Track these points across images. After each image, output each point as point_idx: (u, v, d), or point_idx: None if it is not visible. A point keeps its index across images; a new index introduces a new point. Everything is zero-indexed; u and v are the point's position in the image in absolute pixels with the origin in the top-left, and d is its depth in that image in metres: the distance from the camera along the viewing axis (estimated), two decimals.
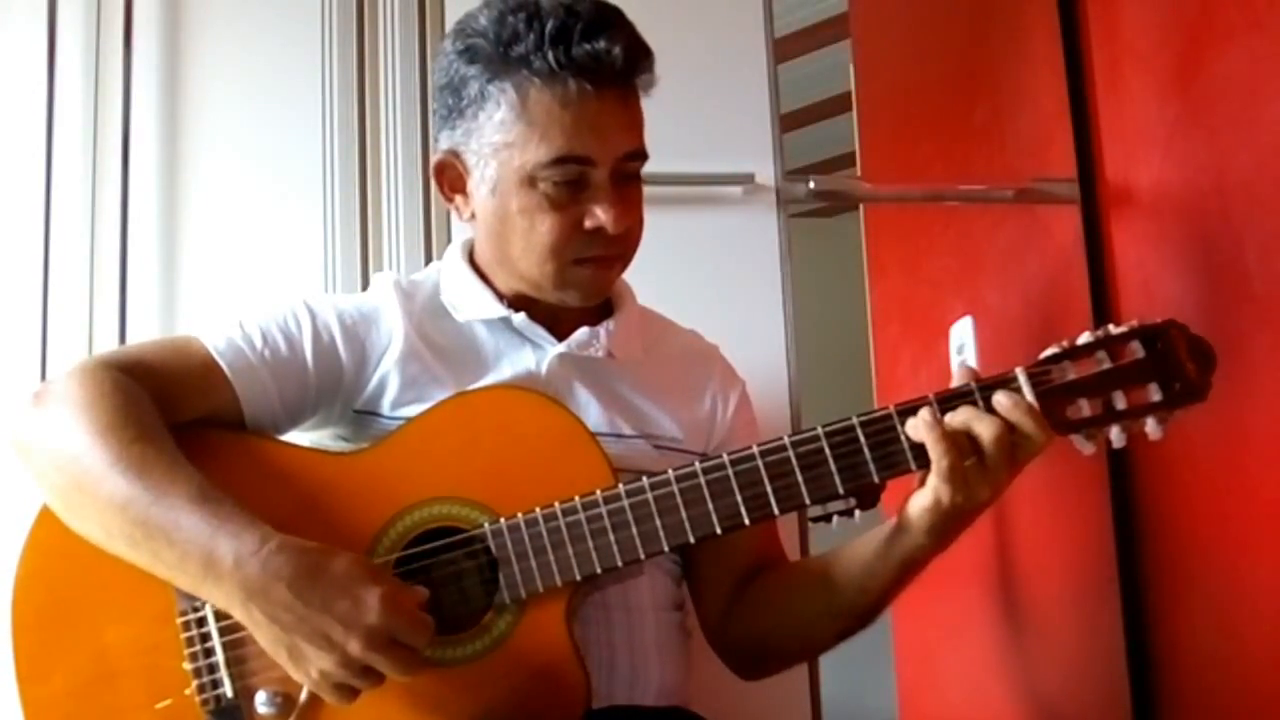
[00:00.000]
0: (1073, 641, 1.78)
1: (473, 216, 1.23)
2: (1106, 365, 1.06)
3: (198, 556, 0.98)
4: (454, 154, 1.21)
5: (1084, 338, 1.07)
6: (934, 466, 1.03)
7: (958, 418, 1.04)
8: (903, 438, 1.05)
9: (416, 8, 1.70)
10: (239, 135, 1.65)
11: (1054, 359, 1.06)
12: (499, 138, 1.15)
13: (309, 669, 0.97)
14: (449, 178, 1.23)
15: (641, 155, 1.19)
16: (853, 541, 1.18)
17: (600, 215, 1.15)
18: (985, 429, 1.03)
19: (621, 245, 1.20)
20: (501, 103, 1.14)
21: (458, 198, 1.24)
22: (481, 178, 1.19)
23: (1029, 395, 1.04)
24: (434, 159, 1.24)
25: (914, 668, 2.29)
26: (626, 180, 1.18)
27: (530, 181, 1.15)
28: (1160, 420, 1.05)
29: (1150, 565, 1.63)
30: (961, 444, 1.02)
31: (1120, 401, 1.05)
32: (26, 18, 1.62)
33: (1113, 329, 1.07)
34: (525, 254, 1.18)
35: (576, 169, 1.14)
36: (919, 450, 1.05)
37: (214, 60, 1.66)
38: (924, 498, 1.05)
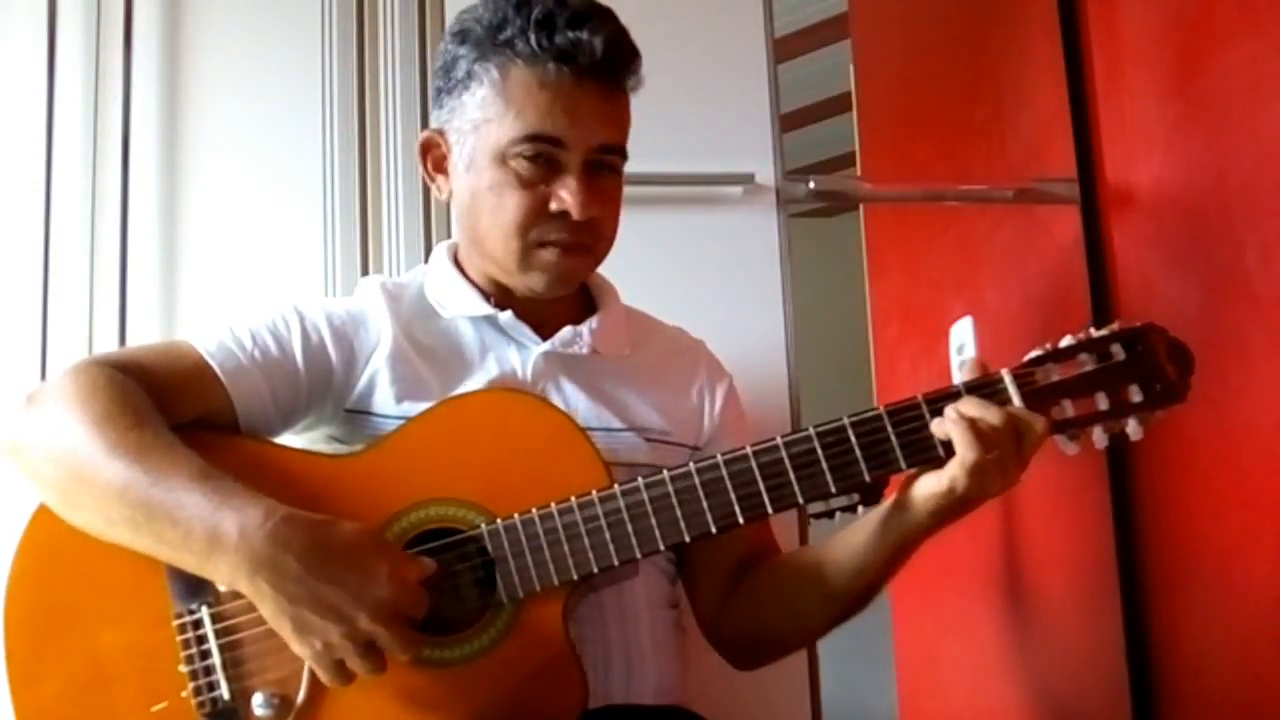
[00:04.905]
0: (1072, 639, 1.78)
1: (451, 195, 1.25)
2: (1089, 367, 1.07)
3: (202, 533, 0.98)
4: (439, 132, 1.24)
5: (1066, 340, 1.09)
6: (959, 459, 1.03)
7: (969, 409, 1.04)
8: (892, 437, 1.06)
9: (416, 8, 1.70)
10: (239, 135, 1.65)
11: (1038, 361, 1.08)
12: (479, 114, 1.18)
13: (313, 642, 0.97)
14: (433, 156, 1.26)
15: (618, 151, 1.20)
16: (845, 528, 1.18)
17: (565, 198, 1.16)
18: (997, 419, 1.03)
19: (587, 234, 1.20)
20: (485, 81, 1.17)
21: (439, 177, 1.26)
22: (460, 155, 1.21)
23: (1015, 396, 1.06)
24: (420, 136, 1.26)
25: (914, 666, 2.29)
26: (599, 172, 1.19)
27: (502, 158, 1.17)
28: (1141, 421, 1.07)
29: (1150, 562, 1.64)
30: (988, 439, 1.03)
31: (1103, 402, 1.07)
32: (26, 18, 1.62)
33: (1094, 332, 1.09)
34: (491, 231, 1.20)
35: (546, 148, 1.16)
36: (910, 449, 1.06)
37: (214, 60, 1.66)
38: (937, 483, 1.05)
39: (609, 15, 1.18)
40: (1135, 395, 1.06)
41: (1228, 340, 1.44)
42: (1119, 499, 1.67)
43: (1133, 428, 1.07)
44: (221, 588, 1.04)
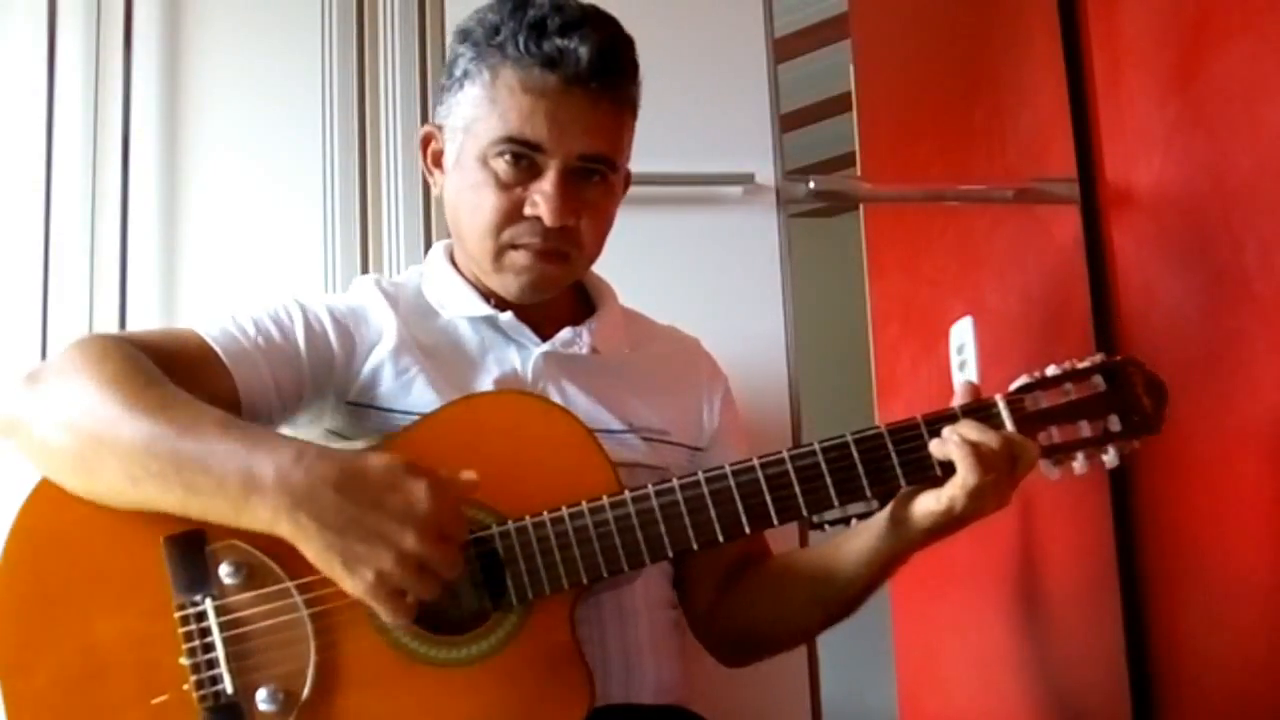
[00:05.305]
0: (1072, 638, 1.78)
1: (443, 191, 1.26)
2: (1073, 396, 1.13)
3: (237, 477, 0.97)
4: (438, 127, 1.25)
5: (1051, 370, 1.14)
6: (960, 481, 1.06)
7: (971, 433, 1.06)
8: (893, 455, 1.09)
9: (416, 8, 1.70)
10: (239, 135, 1.65)
11: (1026, 388, 1.13)
12: (471, 113, 1.19)
13: (364, 573, 0.95)
14: (432, 151, 1.27)
15: (604, 161, 1.19)
16: (839, 536, 1.20)
17: (539, 203, 1.16)
18: (996, 443, 1.06)
19: (563, 241, 1.19)
20: (477, 81, 1.18)
21: (436, 172, 1.27)
22: (451, 152, 1.22)
23: (1008, 421, 1.10)
24: (421, 130, 1.28)
25: (914, 667, 2.29)
26: (585, 179, 1.19)
27: (484, 158, 1.18)
28: (1119, 449, 1.13)
29: (1150, 562, 1.64)
30: (988, 462, 1.05)
31: (1085, 430, 1.13)
32: (26, 18, 1.62)
33: (1077, 363, 1.14)
34: (470, 231, 1.21)
35: (525, 152, 1.16)
36: (909, 468, 1.09)
37: (214, 60, 1.66)
38: (936, 502, 1.08)
39: (605, 24, 1.18)
40: (1115, 425, 1.13)
41: (1228, 340, 1.44)
42: (1119, 498, 1.68)
43: (1110, 456, 1.13)
44: (227, 581, 1.02)
